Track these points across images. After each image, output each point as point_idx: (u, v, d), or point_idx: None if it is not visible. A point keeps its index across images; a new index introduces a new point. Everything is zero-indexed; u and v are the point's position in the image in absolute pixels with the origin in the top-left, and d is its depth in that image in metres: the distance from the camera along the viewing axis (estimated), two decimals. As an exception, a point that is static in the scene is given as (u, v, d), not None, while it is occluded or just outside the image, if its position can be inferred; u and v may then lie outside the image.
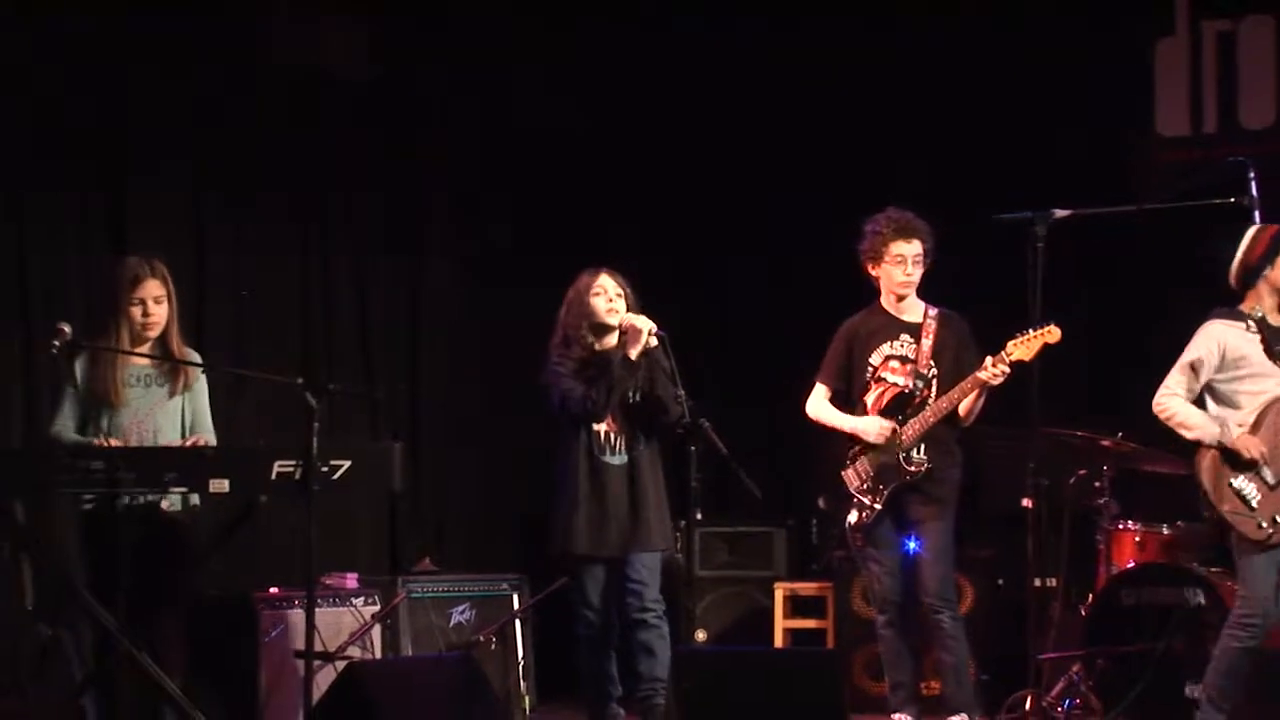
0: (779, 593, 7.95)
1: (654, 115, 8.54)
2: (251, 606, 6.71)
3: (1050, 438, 6.52)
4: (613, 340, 6.24)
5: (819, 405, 6.65)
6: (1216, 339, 6.12)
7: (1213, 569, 6.66)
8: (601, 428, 6.21)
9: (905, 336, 6.55)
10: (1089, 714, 6.74)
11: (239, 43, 7.55)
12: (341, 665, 6.19)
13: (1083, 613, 6.87)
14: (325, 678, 6.13)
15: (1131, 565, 6.87)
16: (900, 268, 6.49)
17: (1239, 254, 6.17)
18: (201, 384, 6.12)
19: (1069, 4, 8.01)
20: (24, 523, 5.79)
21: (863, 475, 6.51)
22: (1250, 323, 6.09)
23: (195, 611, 6.19)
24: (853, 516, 6.53)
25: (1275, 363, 6.02)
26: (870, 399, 6.56)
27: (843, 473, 6.55)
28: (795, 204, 8.34)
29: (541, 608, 7.29)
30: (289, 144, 7.77)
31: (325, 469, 5.58)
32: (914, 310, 6.60)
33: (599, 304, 6.22)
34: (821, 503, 6.76)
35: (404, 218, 8.29)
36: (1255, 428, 6.06)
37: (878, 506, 6.48)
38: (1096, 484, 6.99)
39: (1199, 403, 6.17)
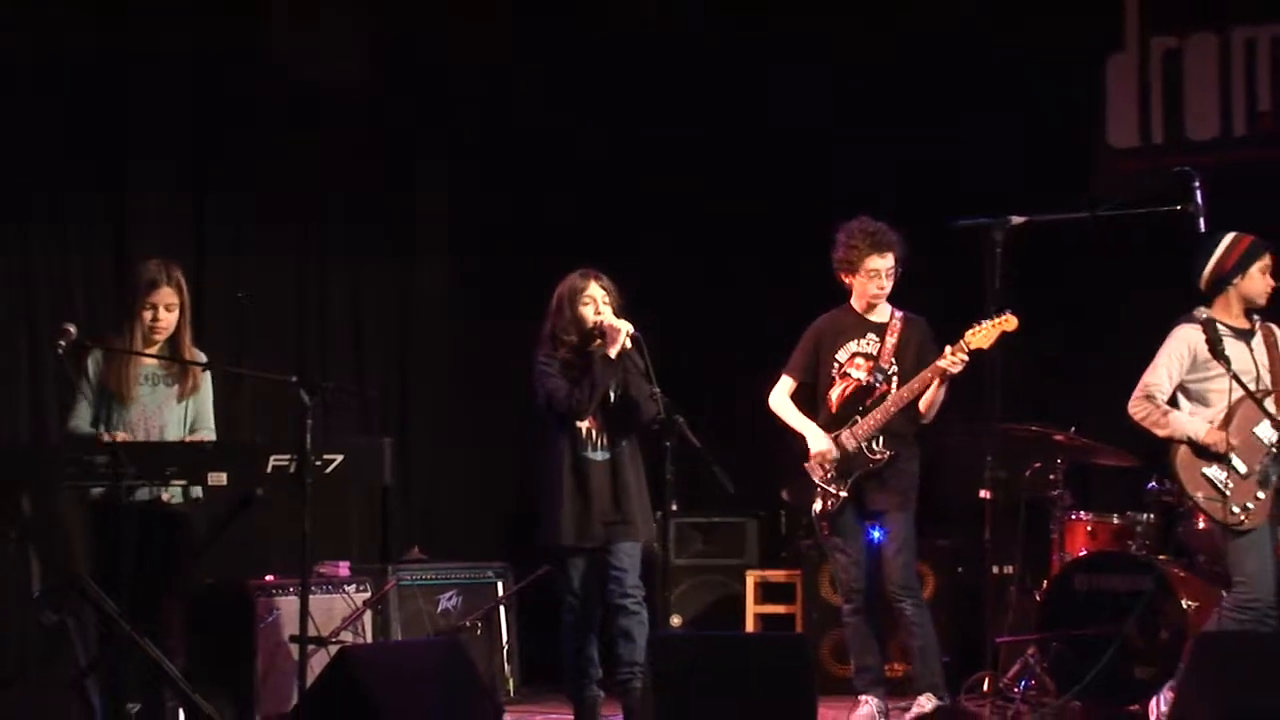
0: (750, 580, 8.06)
1: (654, 115, 8.53)
2: (248, 593, 6.80)
3: (1007, 433, 6.59)
4: (597, 342, 6.26)
5: (780, 399, 6.72)
6: (1186, 342, 6.27)
7: (1160, 556, 6.80)
8: (584, 425, 6.25)
9: (871, 335, 6.64)
10: (1044, 694, 6.79)
11: (239, 43, 7.57)
12: (334, 649, 6.29)
13: (1038, 598, 6.97)
14: (319, 661, 6.22)
15: (1084, 553, 6.97)
16: (874, 281, 6.57)
17: (1212, 260, 6.28)
18: (207, 383, 6.22)
19: (1026, 22, 8.10)
20: (30, 513, 5.86)
21: (826, 466, 6.59)
22: (1197, 324, 6.22)
23: (195, 598, 6.33)
24: (818, 505, 6.59)
25: (1219, 361, 6.13)
26: (834, 394, 6.65)
27: (805, 464, 6.62)
28: (795, 203, 8.31)
29: (524, 594, 7.40)
30: (288, 144, 7.79)
31: (319, 463, 5.65)
32: (882, 312, 6.69)
33: (587, 313, 6.24)
34: (785, 494, 6.83)
35: (399, 220, 8.32)
36: (1226, 422, 6.20)
37: (843, 494, 6.54)
38: (1051, 476, 7.11)
39: (1172, 401, 6.32)
